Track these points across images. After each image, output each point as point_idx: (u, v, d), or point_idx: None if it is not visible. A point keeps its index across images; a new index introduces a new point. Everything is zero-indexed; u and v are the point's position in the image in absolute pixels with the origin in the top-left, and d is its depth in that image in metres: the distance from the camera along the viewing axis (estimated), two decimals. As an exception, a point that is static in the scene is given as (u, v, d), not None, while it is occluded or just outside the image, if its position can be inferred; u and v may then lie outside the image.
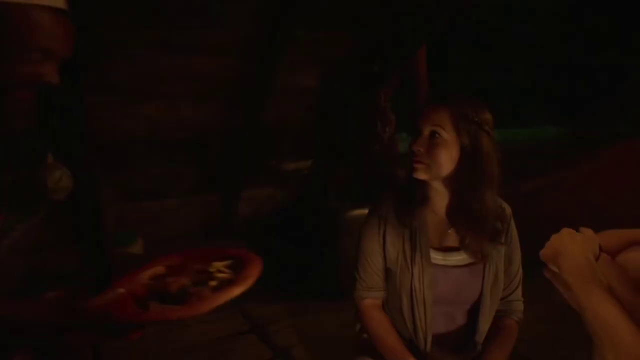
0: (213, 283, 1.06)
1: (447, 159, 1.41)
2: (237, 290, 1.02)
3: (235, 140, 3.12)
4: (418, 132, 1.43)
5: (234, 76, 2.85)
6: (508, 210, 1.55)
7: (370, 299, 1.56)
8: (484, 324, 1.51)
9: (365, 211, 1.62)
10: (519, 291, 1.58)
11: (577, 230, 1.11)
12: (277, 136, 3.22)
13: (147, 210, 3.10)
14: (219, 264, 1.13)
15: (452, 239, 1.50)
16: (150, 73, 2.62)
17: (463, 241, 1.46)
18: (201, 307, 0.98)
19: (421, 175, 1.44)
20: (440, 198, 1.48)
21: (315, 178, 3.38)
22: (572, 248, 1.06)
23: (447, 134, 1.39)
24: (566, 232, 1.10)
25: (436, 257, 1.49)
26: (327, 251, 3.06)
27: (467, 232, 1.45)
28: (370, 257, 1.54)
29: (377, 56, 3.07)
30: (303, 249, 3.15)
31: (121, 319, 0.97)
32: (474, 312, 1.51)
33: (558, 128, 3.92)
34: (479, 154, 1.40)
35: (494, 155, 1.42)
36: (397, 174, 2.91)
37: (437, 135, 1.40)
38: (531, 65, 3.47)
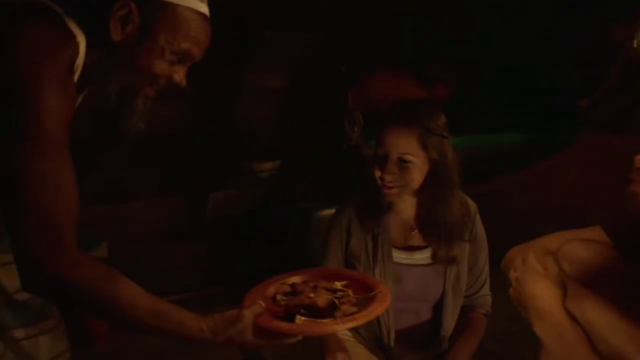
0: (343, 299, 1.09)
1: (419, 178, 1.43)
2: (381, 308, 1.05)
3: (204, 140, 3.10)
4: (384, 156, 1.41)
5: (201, 76, 2.82)
6: (473, 207, 1.56)
7: None
8: (449, 321, 1.54)
9: (333, 211, 1.63)
10: (486, 287, 1.61)
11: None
12: (245, 136, 3.20)
13: (113, 212, 3.04)
14: (339, 283, 1.17)
15: (416, 239, 1.53)
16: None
17: (435, 253, 1.49)
18: (351, 322, 1.00)
19: (395, 198, 1.46)
20: (406, 205, 1.52)
21: (283, 178, 3.37)
22: (542, 299, 1.07)
23: (417, 158, 1.40)
24: (530, 276, 1.10)
25: (400, 256, 1.51)
26: (296, 251, 3.05)
27: (440, 243, 1.48)
28: (328, 258, 1.56)
29: (345, 56, 3.09)
30: (272, 250, 3.14)
31: (271, 331, 0.99)
32: (438, 309, 1.55)
33: (525, 135, 3.99)
34: (446, 163, 1.43)
35: (455, 159, 1.46)
36: (364, 175, 2.91)
37: (407, 161, 1.39)
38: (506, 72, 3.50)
